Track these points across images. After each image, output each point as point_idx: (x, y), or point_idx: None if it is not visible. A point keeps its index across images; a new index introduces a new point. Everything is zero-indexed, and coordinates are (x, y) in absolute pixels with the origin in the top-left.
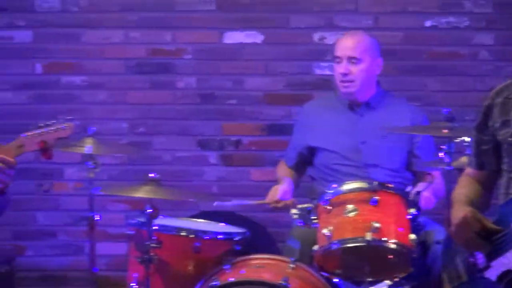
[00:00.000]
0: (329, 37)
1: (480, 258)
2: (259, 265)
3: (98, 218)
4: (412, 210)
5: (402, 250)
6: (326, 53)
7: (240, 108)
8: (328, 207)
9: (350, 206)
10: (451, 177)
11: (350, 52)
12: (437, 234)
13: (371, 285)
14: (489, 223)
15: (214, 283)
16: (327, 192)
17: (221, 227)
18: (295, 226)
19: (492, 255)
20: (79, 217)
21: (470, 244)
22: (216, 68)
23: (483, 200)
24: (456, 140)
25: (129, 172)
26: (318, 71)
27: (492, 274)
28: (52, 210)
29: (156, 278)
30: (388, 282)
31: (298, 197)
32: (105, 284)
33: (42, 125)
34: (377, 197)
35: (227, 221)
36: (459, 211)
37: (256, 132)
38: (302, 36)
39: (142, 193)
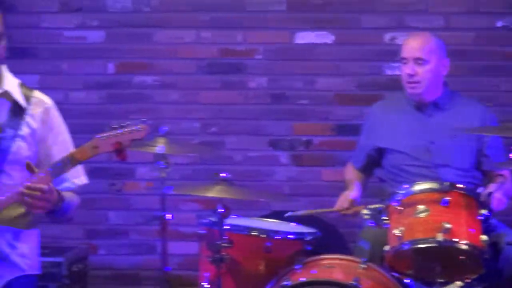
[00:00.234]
0: (400, 38)
1: None
2: (330, 265)
3: (170, 218)
4: (484, 211)
5: (474, 251)
6: (396, 54)
7: (311, 108)
8: (399, 208)
9: (421, 207)
10: None
11: (416, 53)
12: (509, 236)
13: (442, 286)
14: None
15: (285, 283)
16: (398, 193)
17: (292, 227)
18: (365, 226)
19: None
20: (151, 216)
21: None
22: (287, 68)
23: None
24: None
25: (201, 171)
26: (388, 72)
27: None
28: (124, 209)
29: (228, 278)
30: (459, 283)
31: (366, 198)
32: (177, 283)
33: (116, 126)
34: (448, 198)
35: (298, 221)
36: None
37: (327, 132)
38: (373, 37)
39: (214, 192)
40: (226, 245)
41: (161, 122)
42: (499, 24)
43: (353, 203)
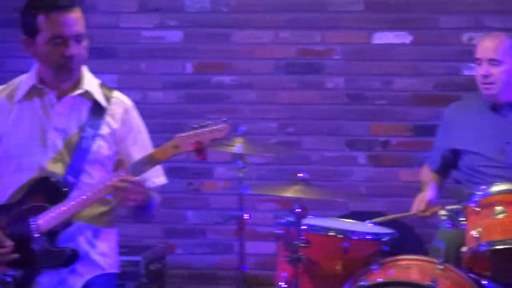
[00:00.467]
0: (478, 38)
1: None
2: (407, 266)
3: (247, 217)
4: None
5: None
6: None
7: (388, 109)
8: (477, 209)
9: (498, 208)
10: None
11: (491, 54)
12: None
13: None
14: None
15: (362, 283)
16: (475, 194)
17: (369, 227)
18: (441, 227)
19: None
20: (229, 216)
21: None
22: (364, 68)
23: None
24: None
25: (278, 171)
26: (466, 72)
27: None
28: (202, 209)
29: (304, 278)
30: None
31: (443, 199)
32: (254, 283)
33: (197, 126)
34: None
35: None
36: None
37: (404, 133)
38: (451, 37)
39: (291, 192)
40: (303, 245)
41: (239, 122)
42: None
43: (429, 204)
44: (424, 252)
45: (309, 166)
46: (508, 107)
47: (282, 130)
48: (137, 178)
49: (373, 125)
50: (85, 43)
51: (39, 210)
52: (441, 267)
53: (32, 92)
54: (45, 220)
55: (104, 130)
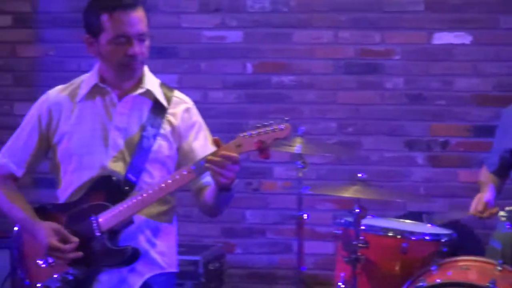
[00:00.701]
0: None
1: None
2: (466, 267)
3: (306, 217)
4: None
5: None
6: None
7: (448, 109)
8: None
9: None
10: None
11: None
12: None
13: None
14: None
15: (421, 284)
16: None
17: (428, 228)
18: (498, 228)
19: None
20: (288, 216)
21: None
22: (424, 68)
23: None
24: None
25: (337, 171)
26: None
27: None
28: (261, 208)
29: (363, 278)
30: None
31: (504, 200)
32: (312, 283)
33: (259, 125)
34: None
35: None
36: None
37: (464, 133)
38: (511, 37)
39: (350, 192)
40: (362, 245)
41: (298, 122)
42: None
43: (487, 205)
44: (483, 253)
45: (368, 166)
46: None
47: (341, 130)
48: (236, 155)
49: (432, 125)
50: (147, 43)
51: (100, 209)
52: (500, 268)
53: (94, 92)
54: (106, 218)
55: (165, 129)
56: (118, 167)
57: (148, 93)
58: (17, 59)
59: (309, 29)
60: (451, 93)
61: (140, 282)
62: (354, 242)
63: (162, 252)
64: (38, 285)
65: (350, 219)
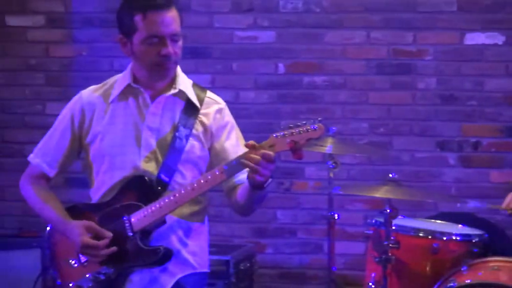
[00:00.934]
0: None
1: None
2: (497, 268)
3: (337, 217)
4: None
5: None
6: None
7: (480, 110)
8: None
9: None
10: None
11: None
12: None
13: None
14: None
15: (451, 284)
16: None
17: (459, 228)
18: None
19: None
20: (319, 216)
21: None
22: (456, 69)
23: None
24: None
25: (368, 172)
26: None
27: None
28: (292, 208)
29: (393, 278)
30: None
31: None
32: (343, 283)
33: (292, 125)
34: None
35: (466, 223)
36: None
37: (495, 134)
38: None
39: (381, 193)
40: (393, 246)
41: (330, 122)
42: None
43: None
44: None
45: (400, 166)
46: None
47: (373, 131)
48: (271, 152)
49: (464, 126)
50: (180, 43)
51: (133, 209)
52: None
53: (127, 92)
54: (138, 218)
55: (197, 129)
56: (151, 167)
57: (181, 94)
58: (50, 59)
59: (341, 29)
60: (482, 94)
61: (171, 282)
62: (385, 243)
63: (194, 252)
64: (70, 284)
65: (381, 219)
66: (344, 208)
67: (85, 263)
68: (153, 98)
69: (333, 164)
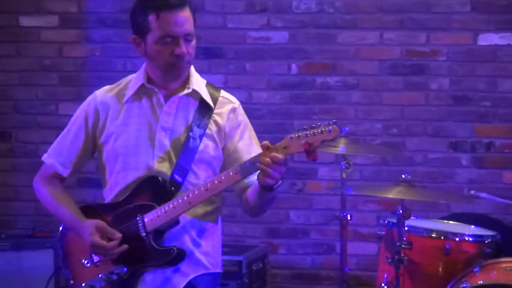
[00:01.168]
0: None
1: None
2: (509, 268)
3: (350, 218)
4: None
5: None
6: None
7: (493, 110)
8: None
9: None
10: None
11: None
12: None
13: None
14: None
15: (464, 285)
16: None
17: (472, 229)
18: None
19: None
20: (332, 216)
21: None
22: (470, 70)
23: None
24: None
25: (381, 172)
26: None
27: None
28: (305, 209)
29: (406, 279)
30: None
31: None
32: (355, 283)
33: (306, 126)
34: None
35: (478, 224)
36: None
37: (509, 135)
38: None
39: (394, 193)
40: (405, 246)
41: (343, 123)
42: None
43: None
44: None
45: (413, 167)
46: None
47: (386, 131)
48: (282, 156)
49: (477, 126)
50: (194, 43)
51: (146, 209)
52: None
53: (141, 92)
54: (151, 219)
55: (211, 129)
56: (164, 168)
57: (195, 94)
58: (64, 59)
59: (354, 30)
60: (496, 94)
61: (184, 282)
62: (398, 243)
63: (207, 252)
64: (83, 284)
65: (393, 220)
66: (357, 209)
67: (98, 263)
68: (166, 98)
69: (346, 165)
